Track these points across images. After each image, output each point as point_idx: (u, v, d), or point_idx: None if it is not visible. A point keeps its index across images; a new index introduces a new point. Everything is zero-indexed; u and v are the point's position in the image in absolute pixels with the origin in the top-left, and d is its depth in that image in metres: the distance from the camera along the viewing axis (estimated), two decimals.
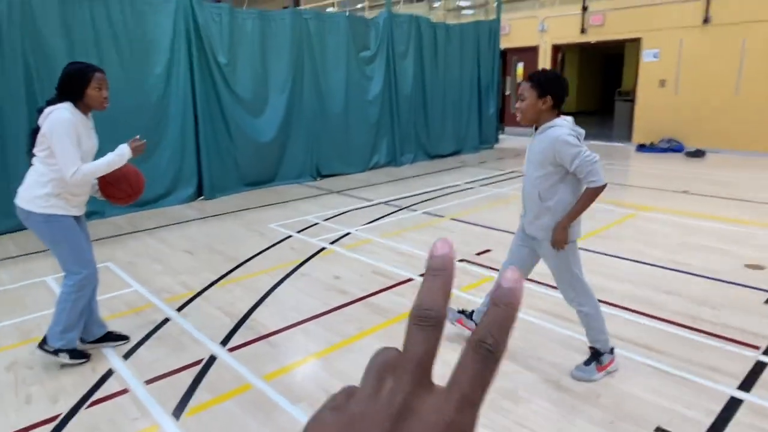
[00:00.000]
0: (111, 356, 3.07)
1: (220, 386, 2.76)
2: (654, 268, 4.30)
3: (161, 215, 6.40)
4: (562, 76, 2.53)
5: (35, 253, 4.98)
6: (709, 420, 2.40)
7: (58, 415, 2.53)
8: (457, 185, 7.85)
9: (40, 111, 2.72)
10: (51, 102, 2.71)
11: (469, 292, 3.89)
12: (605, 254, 4.65)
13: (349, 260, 4.66)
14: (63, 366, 2.91)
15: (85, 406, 2.61)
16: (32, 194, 2.73)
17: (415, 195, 7.22)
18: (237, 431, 2.41)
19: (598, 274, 4.20)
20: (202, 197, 7.16)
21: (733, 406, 2.50)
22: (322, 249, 4.99)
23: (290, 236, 5.44)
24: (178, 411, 2.55)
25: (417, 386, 0.28)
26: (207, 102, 6.99)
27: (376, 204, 6.76)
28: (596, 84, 19.91)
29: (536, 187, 2.59)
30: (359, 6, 14.82)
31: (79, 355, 2.97)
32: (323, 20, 8.24)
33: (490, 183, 7.98)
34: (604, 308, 3.56)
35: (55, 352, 2.89)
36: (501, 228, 5.49)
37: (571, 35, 12.03)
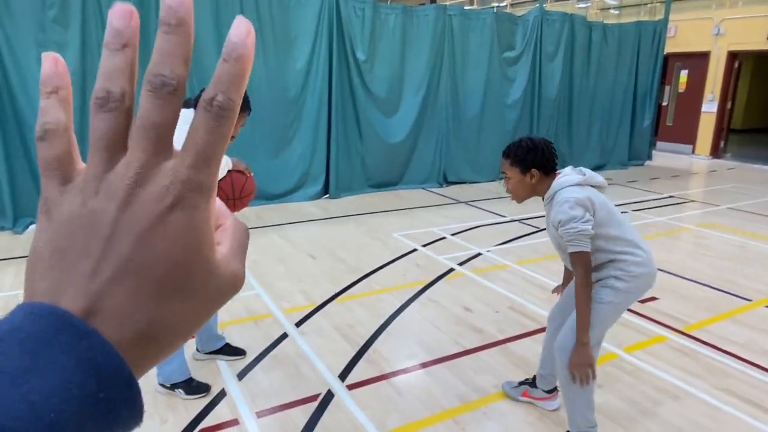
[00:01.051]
0: (226, 373, 2.85)
1: None
2: None
3: (287, 211, 6.33)
4: (540, 141, 2.18)
5: None
6: None
7: None
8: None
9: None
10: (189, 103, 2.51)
11: (634, 354, 3.15)
12: None
13: (482, 288, 4.11)
14: (184, 399, 2.63)
15: None
16: None
17: None
18: None
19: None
20: (327, 195, 7.01)
21: None
22: (451, 270, 4.49)
23: (415, 250, 5.01)
24: None
25: (155, 155, 0.26)
26: (342, 99, 6.80)
27: (509, 221, 6.10)
28: None
29: (562, 252, 2.24)
30: (502, 3, 14.02)
31: (197, 389, 2.64)
32: (468, 17, 7.70)
33: (646, 208, 6.92)
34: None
35: (171, 387, 2.64)
36: (668, 270, 4.57)
37: (754, 41, 10.24)
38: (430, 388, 2.79)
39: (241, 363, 2.95)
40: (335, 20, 6.56)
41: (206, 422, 2.45)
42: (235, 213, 2.69)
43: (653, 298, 3.98)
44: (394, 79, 7.21)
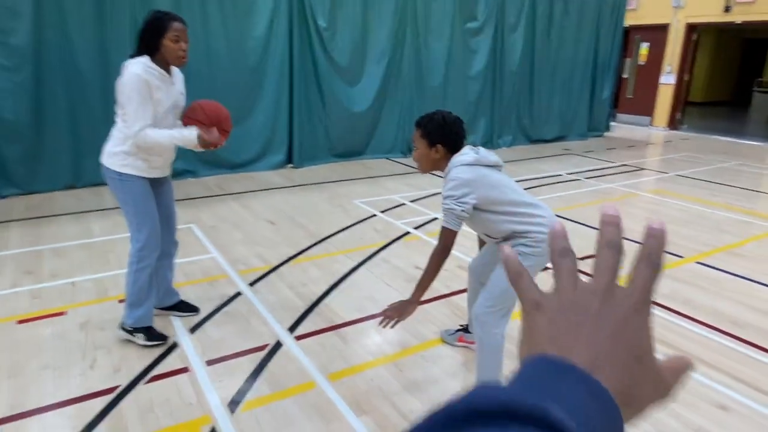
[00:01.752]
0: (178, 327, 2.97)
1: (282, 380, 2.54)
2: None
3: (250, 180, 6.38)
4: (452, 119, 2.29)
5: None
6: None
7: (117, 387, 2.44)
8: (558, 175, 7.15)
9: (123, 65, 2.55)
10: (132, 55, 2.54)
11: None
12: (737, 275, 3.91)
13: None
14: (141, 345, 2.75)
15: (145, 380, 2.50)
16: (111, 150, 2.60)
17: None
18: None
19: (726, 298, 3.51)
20: (291, 165, 7.07)
21: None
22: (406, 233, 4.66)
23: (374, 215, 5.15)
24: (233, 404, 2.36)
25: (611, 284, 0.39)
26: (303, 67, 6.81)
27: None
28: (732, 72, 17.63)
29: (474, 225, 2.35)
30: None
31: (157, 337, 2.77)
32: None
33: (598, 176, 7.19)
34: (732, 344, 2.94)
35: (131, 332, 2.76)
36: None
37: (711, 13, 10.52)
38: (375, 337, 2.96)
39: (194, 318, 3.07)
40: None
41: (157, 370, 2.58)
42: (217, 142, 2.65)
43: (590, 256, 4.21)
44: (356, 47, 7.23)
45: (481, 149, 2.29)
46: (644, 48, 11.76)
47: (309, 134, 7.11)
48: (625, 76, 12.12)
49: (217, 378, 2.53)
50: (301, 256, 4.06)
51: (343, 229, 4.72)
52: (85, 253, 3.99)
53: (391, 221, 4.99)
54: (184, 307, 3.09)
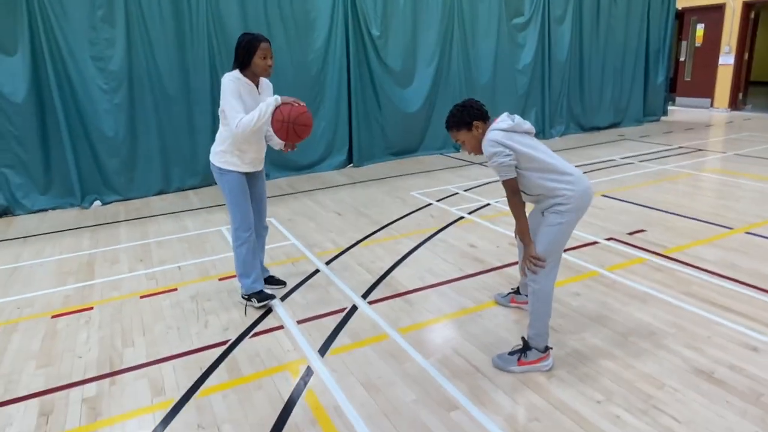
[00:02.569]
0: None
1: (360, 333, 3.01)
2: None
3: (316, 179, 6.97)
4: (466, 101, 2.60)
5: (213, 206, 5.79)
6: None
7: (227, 341, 2.99)
8: (612, 160, 7.30)
9: None
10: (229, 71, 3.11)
11: (617, 272, 3.67)
12: None
13: (487, 230, 4.66)
14: (257, 307, 3.32)
15: (249, 336, 3.04)
16: (215, 149, 3.20)
17: None
18: (371, 373, 2.63)
19: None
20: (351, 164, 7.62)
21: None
22: (461, 218, 5.05)
23: (430, 204, 5.58)
24: (322, 350, 2.85)
25: None
26: (360, 74, 7.35)
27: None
28: None
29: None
30: None
31: (267, 297, 3.32)
32: None
33: (653, 159, 7.27)
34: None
35: (248, 299, 3.33)
36: (660, 208, 5.01)
37: None
38: (436, 301, 3.38)
39: (283, 290, 3.61)
40: (350, 0, 7.07)
41: (258, 328, 3.12)
42: (293, 142, 3.13)
43: (641, 230, 4.45)
44: (407, 52, 7.70)
45: (516, 116, 2.56)
46: (700, 29, 11.51)
47: (367, 135, 7.63)
48: (681, 59, 11.90)
49: (307, 333, 3.04)
50: (367, 240, 4.55)
51: (403, 217, 5.18)
52: (184, 245, 4.65)
53: (446, 208, 5.39)
54: (274, 281, 3.63)
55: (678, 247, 4.06)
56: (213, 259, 4.24)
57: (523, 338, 2.64)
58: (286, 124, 2.99)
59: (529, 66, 8.72)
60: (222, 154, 3.17)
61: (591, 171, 6.70)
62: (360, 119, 7.49)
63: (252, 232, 3.28)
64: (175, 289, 3.74)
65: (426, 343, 2.89)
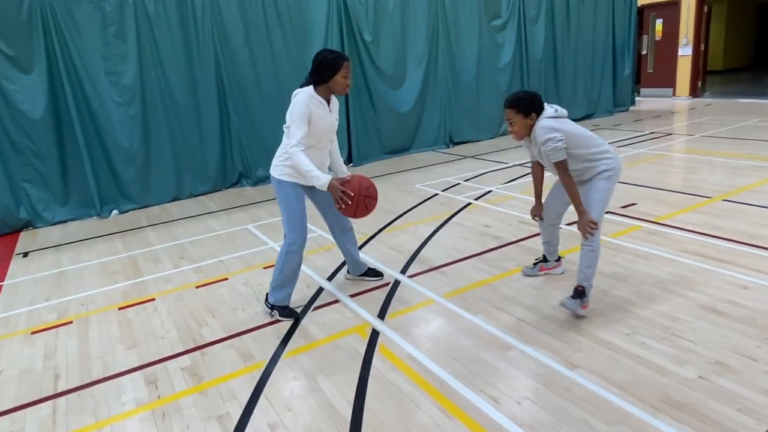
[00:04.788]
0: (317, 277, 3.89)
1: (409, 300, 3.43)
2: None
3: None
4: (533, 92, 2.94)
5: (230, 208, 6.11)
6: None
7: (296, 317, 3.36)
8: None
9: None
10: (302, 84, 3.03)
11: (619, 238, 4.18)
12: (759, 206, 4.63)
13: (496, 212, 5.14)
14: (275, 319, 3.30)
15: (311, 309, 3.42)
16: (276, 161, 3.17)
17: None
18: (429, 329, 3.05)
19: (753, 224, 4.25)
20: (351, 164, 8.01)
21: None
22: (469, 204, 5.51)
23: (436, 194, 6.03)
24: (381, 315, 3.26)
25: None
26: (355, 77, 7.75)
27: (511, 166, 7.11)
28: (749, 38, 17.92)
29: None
30: None
31: (289, 314, 3.28)
32: None
33: (628, 144, 7.91)
34: (757, 251, 3.69)
35: (271, 308, 3.32)
36: (645, 185, 5.60)
37: None
38: (468, 271, 3.82)
39: (327, 270, 3.99)
40: (343, 8, 7.49)
41: (317, 303, 3.50)
42: (361, 216, 3.14)
43: (632, 204, 5.00)
44: (398, 55, 8.16)
45: (555, 105, 2.99)
46: (659, 24, 12.36)
47: (364, 136, 8.05)
48: (644, 52, 12.73)
49: (362, 304, 3.44)
50: (388, 228, 4.96)
51: (414, 207, 5.61)
52: (217, 242, 4.97)
53: (452, 197, 5.85)
54: (371, 273, 3.76)
55: (667, 215, 4.61)
56: (251, 252, 4.59)
57: (580, 287, 2.99)
58: (356, 198, 3.00)
59: (508, 65, 9.30)
60: (282, 167, 3.13)
61: None
62: (357, 121, 7.91)
63: (302, 249, 3.25)
64: (226, 279, 4.07)
65: (469, 304, 3.33)
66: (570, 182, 2.90)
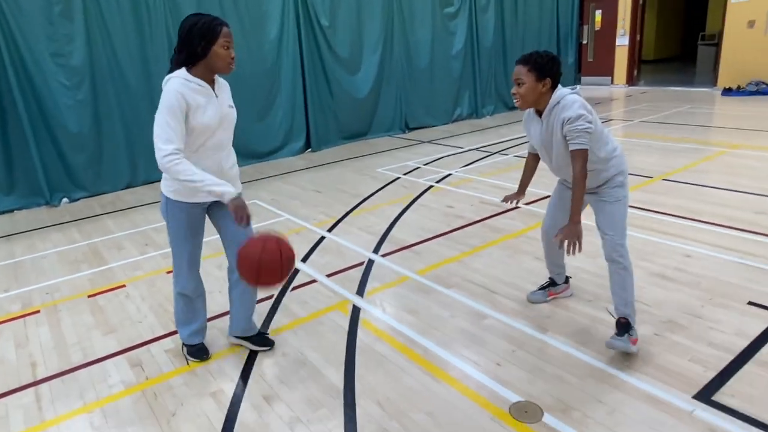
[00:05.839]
0: None
1: (385, 278, 3.56)
2: (745, 194, 4.69)
3: (279, 165, 7.32)
4: (558, 58, 2.41)
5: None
6: None
7: (272, 296, 3.42)
8: None
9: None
10: (170, 69, 2.30)
11: None
12: (695, 184, 5.07)
13: (457, 194, 5.35)
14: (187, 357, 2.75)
15: (290, 289, 3.49)
16: (165, 176, 2.38)
17: (501, 142, 7.75)
18: (408, 303, 3.20)
19: (690, 199, 4.66)
20: (309, 150, 8.02)
21: None
22: (431, 186, 5.70)
23: (398, 177, 6.18)
24: (360, 292, 3.38)
25: None
26: (312, 62, 7.75)
27: (468, 150, 7.36)
28: (678, 28, 19.07)
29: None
30: None
31: (196, 354, 2.70)
32: None
33: None
34: (700, 226, 4.07)
35: (182, 345, 2.78)
36: None
37: None
38: (438, 249, 4.00)
39: (302, 250, 4.05)
40: None
41: (295, 283, 3.57)
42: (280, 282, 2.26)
43: None
44: (354, 40, 8.20)
45: (577, 88, 2.48)
46: (598, 15, 12.97)
47: (322, 121, 8.07)
48: (584, 41, 13.32)
49: (339, 282, 3.54)
50: (355, 210, 5.07)
51: (378, 190, 5.73)
52: None
53: (414, 180, 6.02)
54: (258, 341, 2.81)
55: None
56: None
57: (623, 319, 2.51)
58: (279, 264, 2.16)
59: (461, 52, 9.54)
60: (170, 181, 2.36)
61: (522, 144, 7.59)
62: (315, 106, 7.91)
63: (194, 298, 2.66)
64: None
65: (443, 279, 3.50)
66: (584, 180, 2.32)
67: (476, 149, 7.38)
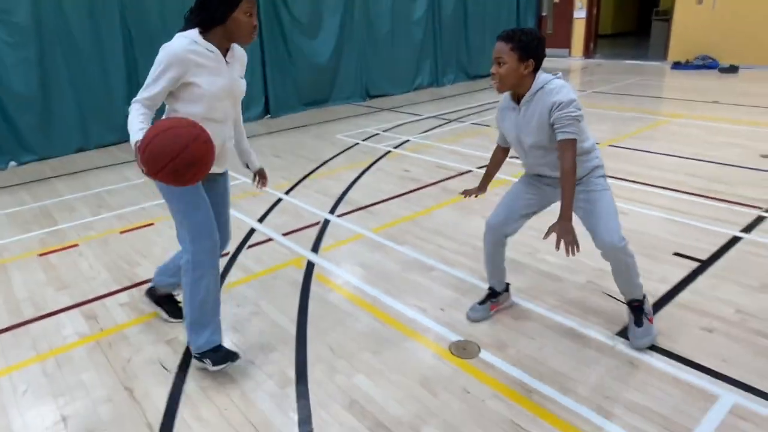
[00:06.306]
0: (248, 219, 4.00)
1: (340, 236, 3.67)
2: (681, 159, 4.98)
3: None
4: (543, 38, 2.19)
5: None
6: (714, 248, 3.20)
7: (227, 252, 3.48)
8: (496, 101, 8.42)
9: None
10: (183, 28, 2.07)
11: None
12: (638, 149, 5.33)
13: (415, 159, 5.46)
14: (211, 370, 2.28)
15: (245, 247, 3.55)
16: None
17: (460, 110, 7.88)
18: (361, 259, 3.32)
19: (631, 163, 4.91)
20: (268, 116, 7.95)
21: (735, 241, 3.29)
22: (389, 152, 5.79)
23: (357, 143, 6.24)
24: (315, 249, 3.47)
25: None
26: (269, 24, 7.61)
27: (427, 118, 7.46)
28: (634, 4, 19.47)
29: (550, 152, 2.24)
30: None
31: (225, 357, 2.24)
32: None
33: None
34: (637, 187, 4.32)
35: (200, 359, 2.27)
36: None
37: None
38: (393, 210, 4.12)
39: (258, 212, 4.10)
40: None
41: (251, 242, 3.63)
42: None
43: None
44: (312, 4, 8.08)
45: (560, 74, 2.24)
46: None
47: (281, 87, 7.99)
48: (544, 14, 13.49)
49: (295, 240, 3.62)
50: (313, 174, 5.12)
51: (337, 155, 5.79)
52: (137, 191, 4.86)
53: (372, 145, 6.09)
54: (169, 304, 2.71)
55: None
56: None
57: (634, 303, 2.39)
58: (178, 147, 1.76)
59: (422, 19, 9.53)
60: None
61: (484, 110, 7.77)
62: (274, 70, 7.81)
63: (216, 254, 2.23)
64: (152, 224, 4.06)
65: (395, 236, 3.63)
66: (574, 173, 2.12)
67: (435, 117, 7.48)
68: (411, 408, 2.06)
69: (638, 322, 2.37)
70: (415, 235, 3.64)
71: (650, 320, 2.39)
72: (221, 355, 2.25)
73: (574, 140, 2.10)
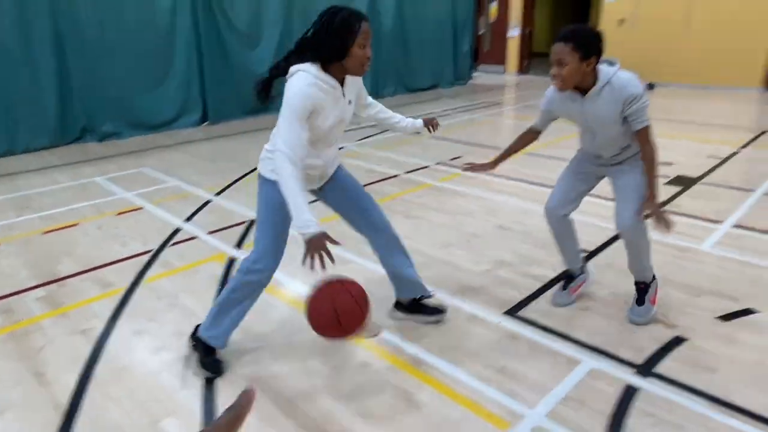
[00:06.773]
0: (174, 220, 4.09)
1: None
2: None
3: (175, 136, 7.27)
4: (599, 30, 2.21)
5: (78, 162, 5.86)
6: (602, 241, 3.57)
7: (150, 250, 3.56)
8: (434, 112, 8.83)
9: (279, 66, 2.14)
10: (293, 56, 2.09)
11: (444, 183, 4.97)
12: (549, 156, 5.77)
13: (347, 164, 5.63)
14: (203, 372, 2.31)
15: (170, 244, 3.65)
16: (263, 155, 2.21)
17: None
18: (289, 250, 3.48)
19: (541, 168, 5.32)
20: (207, 122, 8.00)
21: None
22: (341, 147, 5.97)
23: None
24: (238, 245, 3.61)
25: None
26: (209, 34, 7.69)
27: (363, 127, 7.71)
28: (567, 23, 20.64)
29: (620, 137, 2.35)
30: None
31: (213, 366, 2.29)
32: None
33: (465, 111, 8.98)
34: (540, 188, 4.68)
35: (194, 344, 2.35)
36: (472, 142, 6.55)
37: None
38: (318, 209, 4.30)
39: (185, 213, 4.19)
40: None
41: (176, 239, 3.73)
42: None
43: (458, 156, 5.88)
44: (252, 14, 8.23)
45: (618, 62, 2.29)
46: (494, 7, 13.82)
47: (220, 94, 8.05)
48: (481, 32, 14.15)
49: (220, 238, 3.75)
50: (247, 177, 5.24)
51: None
52: (67, 193, 4.84)
53: None
54: (429, 311, 2.69)
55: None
56: (103, 201, 4.59)
57: (640, 284, 2.62)
58: (354, 302, 2.00)
59: None
60: (269, 162, 2.13)
61: None
62: (212, 78, 7.87)
63: (267, 277, 2.30)
64: (77, 224, 4.08)
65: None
66: (657, 157, 2.26)
67: (371, 126, 7.75)
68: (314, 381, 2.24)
69: (640, 301, 2.61)
70: (336, 232, 3.79)
71: (652, 302, 2.61)
72: (210, 363, 2.30)
73: (649, 126, 2.25)
